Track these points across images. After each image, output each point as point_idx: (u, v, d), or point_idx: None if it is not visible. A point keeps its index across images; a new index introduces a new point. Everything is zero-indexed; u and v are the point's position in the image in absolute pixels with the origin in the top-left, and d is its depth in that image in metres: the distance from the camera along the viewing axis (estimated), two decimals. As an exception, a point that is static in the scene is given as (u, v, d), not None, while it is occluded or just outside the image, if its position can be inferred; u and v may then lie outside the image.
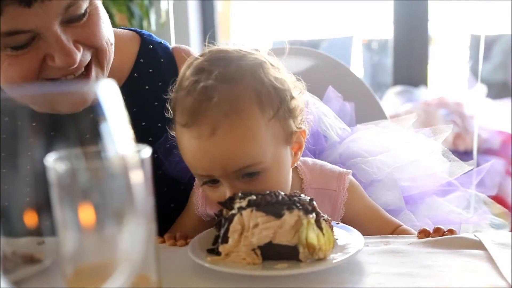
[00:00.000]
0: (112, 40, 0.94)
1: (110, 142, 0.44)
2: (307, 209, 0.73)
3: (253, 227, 0.72)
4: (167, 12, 2.91)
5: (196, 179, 0.97)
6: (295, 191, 0.81)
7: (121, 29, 1.13)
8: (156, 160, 1.02)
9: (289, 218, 0.71)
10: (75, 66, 0.84)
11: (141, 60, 1.09)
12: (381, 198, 1.01)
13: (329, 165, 0.99)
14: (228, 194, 0.82)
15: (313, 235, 0.71)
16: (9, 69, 0.82)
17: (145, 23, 2.78)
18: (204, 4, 3.40)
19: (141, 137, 1.05)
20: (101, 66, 0.92)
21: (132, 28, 1.17)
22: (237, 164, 0.81)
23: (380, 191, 1.03)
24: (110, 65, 0.94)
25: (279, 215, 0.71)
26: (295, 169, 0.95)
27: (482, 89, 3.21)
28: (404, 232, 0.93)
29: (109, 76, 1.03)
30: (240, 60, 0.84)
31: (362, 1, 3.86)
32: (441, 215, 1.05)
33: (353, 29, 3.86)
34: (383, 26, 3.67)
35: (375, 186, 1.05)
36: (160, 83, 1.07)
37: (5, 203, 0.44)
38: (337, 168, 0.97)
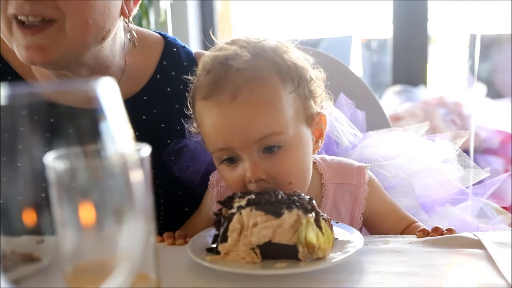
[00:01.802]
0: (113, 26, 0.93)
1: (109, 141, 0.44)
2: (306, 208, 0.73)
3: (252, 226, 0.72)
4: (166, 11, 2.90)
5: (210, 175, 0.98)
6: (295, 190, 0.81)
7: (146, 30, 1.14)
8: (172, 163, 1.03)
9: (288, 217, 0.71)
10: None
11: (164, 62, 1.09)
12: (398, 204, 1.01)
13: (347, 160, 0.99)
14: (247, 169, 0.81)
15: (312, 234, 0.71)
16: None
17: (144, 22, 2.78)
18: (204, 4, 3.40)
19: (159, 139, 1.05)
20: (64, 34, 0.87)
21: (156, 30, 1.17)
22: (258, 133, 0.80)
23: (395, 198, 1.03)
24: (86, 48, 0.91)
25: (278, 214, 0.71)
26: (314, 165, 0.95)
27: (482, 88, 3.21)
28: (417, 229, 0.93)
29: (132, 76, 1.04)
30: (260, 41, 0.86)
31: (361, 1, 3.86)
32: (454, 222, 1.04)
33: (353, 28, 3.86)
34: (382, 26, 3.67)
35: (391, 192, 1.05)
36: (182, 86, 1.07)
37: (4, 202, 0.44)
38: (355, 162, 0.97)
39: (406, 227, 0.94)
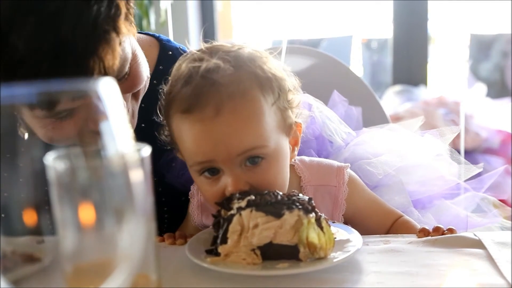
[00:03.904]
0: (148, 72, 0.94)
1: (110, 141, 0.44)
2: (307, 208, 0.73)
3: (253, 227, 0.71)
4: (167, 12, 2.90)
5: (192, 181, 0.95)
6: (293, 190, 0.80)
7: (139, 34, 1.11)
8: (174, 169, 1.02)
9: (289, 217, 0.71)
10: None
11: (161, 67, 1.08)
12: (389, 202, 1.00)
13: (326, 161, 0.98)
14: (229, 183, 0.80)
15: (314, 235, 0.71)
16: (51, 132, 0.80)
17: (144, 23, 2.78)
18: (204, 3, 3.40)
19: (160, 146, 1.05)
20: (136, 99, 0.92)
21: (149, 32, 1.16)
22: (242, 146, 0.79)
23: (386, 195, 1.02)
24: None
25: (279, 215, 0.71)
26: (292, 168, 0.94)
27: (482, 88, 3.21)
28: (405, 224, 0.93)
29: None
30: (238, 49, 0.84)
31: (361, 0, 3.86)
32: (450, 217, 1.04)
33: (353, 28, 3.86)
34: (382, 25, 3.67)
35: (382, 190, 1.04)
36: None
37: (4, 202, 0.44)
38: (334, 163, 0.96)
39: (393, 223, 0.94)
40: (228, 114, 0.78)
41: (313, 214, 0.73)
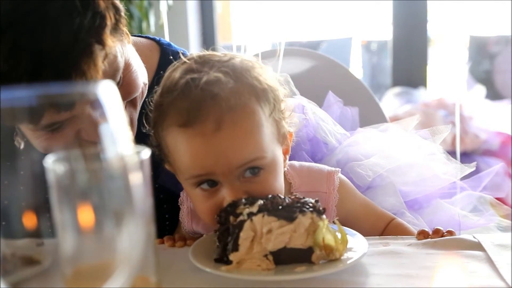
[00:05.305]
0: (146, 79, 0.92)
1: (109, 143, 0.44)
2: (319, 210, 0.72)
3: (266, 232, 0.70)
4: (162, 14, 2.90)
5: (184, 190, 0.94)
6: (295, 194, 0.80)
7: (139, 38, 1.10)
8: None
9: (303, 221, 0.70)
10: None
11: (162, 72, 1.07)
12: (381, 204, 1.00)
13: (316, 166, 0.98)
14: (228, 195, 0.79)
15: (329, 236, 0.71)
16: (44, 142, 0.79)
17: (144, 25, 2.78)
18: (203, 5, 3.40)
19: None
20: (134, 107, 0.91)
21: (150, 36, 1.14)
22: (243, 158, 0.79)
23: (379, 197, 1.02)
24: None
25: (292, 219, 0.70)
26: (283, 174, 0.93)
27: (481, 90, 3.22)
28: (399, 227, 0.93)
29: None
30: (230, 59, 0.83)
31: (361, 2, 3.86)
32: (445, 217, 1.04)
33: (352, 30, 3.85)
34: (382, 27, 3.67)
35: (375, 192, 1.04)
36: None
37: (4, 205, 0.44)
38: (325, 168, 0.96)
39: (386, 226, 0.94)
40: (229, 128, 0.77)
41: (325, 216, 0.73)
